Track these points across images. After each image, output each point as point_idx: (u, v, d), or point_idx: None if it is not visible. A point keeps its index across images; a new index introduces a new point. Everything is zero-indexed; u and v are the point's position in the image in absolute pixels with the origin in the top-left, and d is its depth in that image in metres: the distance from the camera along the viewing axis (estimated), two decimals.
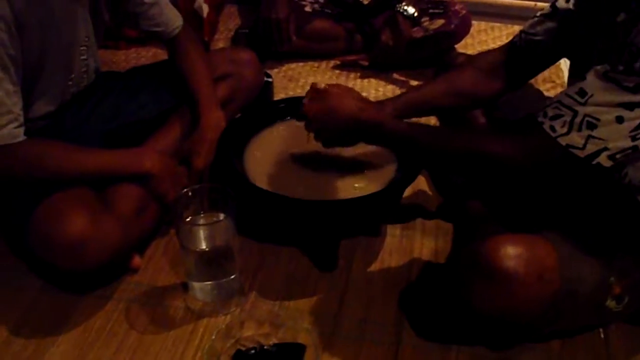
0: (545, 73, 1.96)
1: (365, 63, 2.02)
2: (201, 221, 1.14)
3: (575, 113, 0.89)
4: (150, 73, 1.48)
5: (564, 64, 1.97)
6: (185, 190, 1.14)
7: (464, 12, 1.99)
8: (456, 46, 2.05)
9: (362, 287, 1.23)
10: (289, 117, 1.37)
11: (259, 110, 1.46)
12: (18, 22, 1.04)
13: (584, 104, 0.88)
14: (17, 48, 1.05)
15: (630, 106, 0.85)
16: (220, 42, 2.18)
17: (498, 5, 2.38)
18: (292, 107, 1.32)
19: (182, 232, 1.12)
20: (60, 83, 1.24)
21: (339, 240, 1.28)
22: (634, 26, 0.85)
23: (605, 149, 0.88)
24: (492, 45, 2.19)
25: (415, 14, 1.90)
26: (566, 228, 1.02)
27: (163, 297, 1.20)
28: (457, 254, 1.28)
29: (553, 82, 1.94)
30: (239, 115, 1.48)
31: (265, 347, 1.06)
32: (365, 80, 1.97)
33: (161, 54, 1.99)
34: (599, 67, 0.88)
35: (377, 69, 2.00)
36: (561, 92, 0.94)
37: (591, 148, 0.88)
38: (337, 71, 2.03)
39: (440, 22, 1.96)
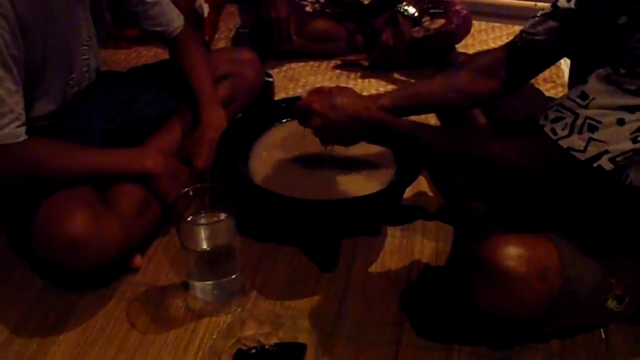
0: (546, 73, 1.97)
1: (366, 63, 2.02)
2: (202, 221, 1.14)
3: (577, 116, 0.89)
4: (151, 73, 1.48)
5: (565, 64, 1.97)
6: (186, 189, 1.14)
7: (464, 12, 2.00)
8: (457, 46, 2.05)
9: (363, 287, 1.23)
10: (289, 118, 1.38)
11: (260, 110, 1.46)
12: (20, 22, 1.04)
13: (586, 107, 0.89)
14: (19, 48, 1.05)
15: (631, 109, 0.86)
16: (221, 41, 2.18)
17: (499, 5, 2.38)
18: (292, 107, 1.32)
19: (183, 231, 1.12)
20: (61, 83, 1.24)
21: (340, 240, 1.28)
22: (636, 30, 0.85)
23: (607, 151, 0.88)
24: (493, 45, 2.19)
25: (416, 14, 1.90)
26: (567, 228, 1.03)
27: (164, 296, 1.20)
28: (458, 254, 1.28)
29: (554, 82, 1.94)
30: (240, 115, 1.48)
31: (266, 347, 1.06)
32: (366, 80, 1.97)
33: (162, 54, 1.98)
34: (600, 70, 0.88)
35: (378, 69, 2.00)
36: (563, 95, 0.94)
37: (592, 151, 0.88)
38: (338, 71, 2.03)
39: (441, 22, 1.96)
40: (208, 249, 1.13)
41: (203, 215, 1.15)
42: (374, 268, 1.28)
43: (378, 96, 1.25)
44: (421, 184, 1.48)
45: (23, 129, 1.09)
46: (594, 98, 0.88)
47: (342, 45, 2.07)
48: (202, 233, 1.12)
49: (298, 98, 1.23)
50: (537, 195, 1.17)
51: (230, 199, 1.11)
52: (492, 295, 0.95)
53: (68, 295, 1.20)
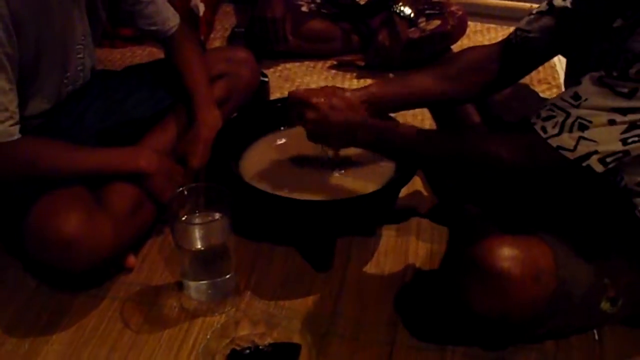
0: (541, 74, 1.98)
1: (362, 63, 2.03)
2: (196, 220, 1.14)
3: (568, 115, 0.90)
4: (146, 72, 1.48)
5: (560, 65, 1.98)
6: (180, 189, 1.13)
7: (460, 13, 2.00)
8: (452, 47, 2.05)
9: (357, 287, 1.23)
10: (284, 117, 1.37)
11: (255, 109, 1.46)
12: (15, 21, 1.03)
13: (578, 107, 0.89)
14: (13, 46, 1.05)
15: (623, 111, 0.86)
16: (217, 41, 2.18)
17: (494, 7, 2.38)
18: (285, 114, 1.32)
19: (177, 231, 1.12)
20: (56, 81, 1.24)
21: (335, 240, 1.28)
22: (630, 33, 0.85)
23: (596, 152, 0.88)
24: None
25: (412, 15, 1.91)
26: (562, 230, 1.03)
27: (158, 296, 1.20)
28: (452, 254, 1.28)
29: (549, 83, 1.95)
30: (235, 114, 1.48)
31: (260, 347, 1.06)
32: (362, 81, 1.97)
33: (157, 53, 1.98)
34: (594, 73, 0.88)
35: (374, 70, 2.00)
36: (557, 95, 0.94)
37: (581, 150, 0.89)
38: (334, 71, 2.03)
39: (437, 22, 1.97)
40: (202, 248, 1.12)
41: (197, 214, 1.15)
42: (368, 268, 1.28)
43: (366, 91, 1.24)
44: (416, 183, 1.48)
45: (17, 127, 1.08)
46: (586, 99, 0.88)
47: (338, 46, 2.07)
48: (197, 232, 1.12)
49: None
50: (532, 196, 1.17)
51: (224, 199, 1.10)
52: (486, 296, 0.95)
53: (61, 295, 1.19)
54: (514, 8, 2.33)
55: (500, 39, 1.26)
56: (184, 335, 1.12)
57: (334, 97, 1.14)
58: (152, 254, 1.29)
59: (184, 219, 1.13)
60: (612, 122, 0.87)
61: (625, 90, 0.85)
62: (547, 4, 1.16)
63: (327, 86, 1.20)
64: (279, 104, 1.41)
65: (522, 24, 1.20)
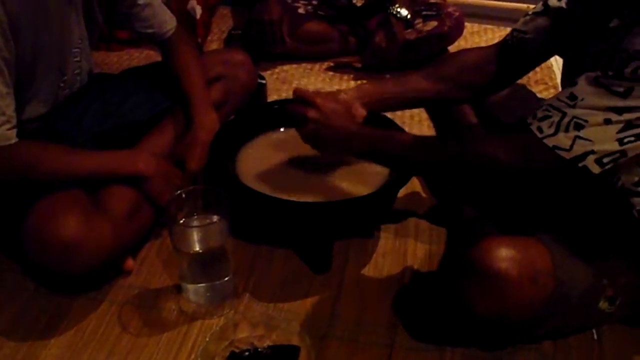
0: (538, 75, 1.98)
1: (359, 65, 2.03)
2: (195, 223, 1.14)
3: (564, 114, 0.90)
4: (143, 75, 1.48)
5: (557, 65, 1.99)
6: (178, 192, 1.13)
7: (457, 14, 2.01)
8: (449, 48, 2.06)
9: (356, 289, 1.23)
10: (282, 120, 1.37)
11: (253, 112, 1.46)
12: (11, 24, 1.03)
13: (573, 107, 0.89)
14: (10, 50, 1.05)
15: (619, 110, 0.86)
16: (214, 43, 2.18)
17: (491, 8, 2.39)
18: (285, 109, 1.32)
19: (175, 233, 1.12)
20: (53, 85, 1.24)
21: (333, 242, 1.28)
22: (626, 33, 0.85)
23: (592, 151, 0.88)
24: None
25: (409, 16, 1.91)
26: (559, 230, 1.03)
27: (156, 299, 1.20)
28: (450, 256, 1.28)
29: (546, 83, 1.95)
30: (232, 117, 1.48)
31: (259, 349, 1.06)
32: (359, 82, 1.97)
33: (154, 56, 1.98)
34: (590, 73, 0.89)
35: (371, 71, 2.00)
36: (553, 96, 0.95)
37: (578, 150, 0.89)
38: (331, 73, 2.03)
39: (434, 24, 1.97)
40: (201, 251, 1.12)
41: (195, 217, 1.15)
42: (367, 270, 1.28)
43: (361, 90, 1.24)
44: (414, 184, 1.48)
45: (14, 131, 1.08)
46: (582, 99, 0.89)
47: (335, 47, 2.07)
48: (195, 235, 1.12)
49: (291, 100, 1.23)
50: (529, 197, 1.17)
51: (222, 201, 1.10)
52: (484, 297, 0.95)
53: (59, 298, 1.19)
54: (511, 9, 2.33)
55: (497, 40, 1.26)
56: (182, 338, 1.12)
57: (335, 102, 1.15)
58: (150, 256, 1.29)
59: (182, 221, 1.13)
60: (608, 122, 0.87)
61: (621, 89, 0.85)
62: (543, 4, 1.17)
63: (329, 92, 1.20)
64: (277, 106, 1.42)
65: (518, 25, 1.20)
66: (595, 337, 1.13)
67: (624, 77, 0.84)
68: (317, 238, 1.26)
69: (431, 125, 1.71)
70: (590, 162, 0.89)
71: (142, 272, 1.25)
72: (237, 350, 1.06)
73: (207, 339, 1.08)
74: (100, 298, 1.19)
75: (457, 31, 2.02)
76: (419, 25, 1.97)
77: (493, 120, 1.38)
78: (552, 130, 0.90)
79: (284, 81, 1.97)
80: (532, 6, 1.22)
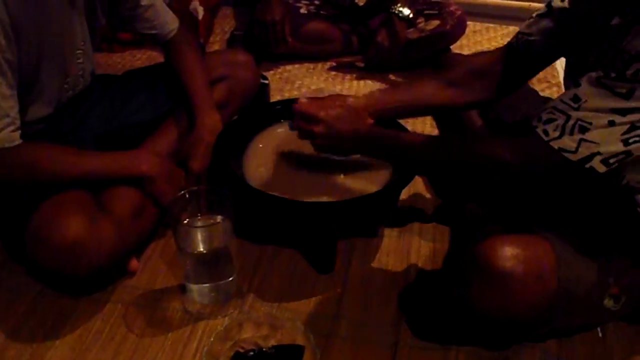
0: (541, 73, 1.95)
1: (361, 64, 2.03)
2: (198, 223, 1.14)
3: (568, 117, 0.90)
4: (146, 76, 1.48)
5: (559, 64, 1.97)
6: (182, 192, 1.14)
7: (459, 12, 2.00)
8: (452, 47, 2.06)
9: (360, 288, 1.23)
10: (285, 120, 1.38)
11: (256, 112, 1.46)
12: (15, 26, 1.04)
13: (577, 109, 0.89)
14: (13, 52, 1.05)
15: (623, 112, 0.86)
16: (216, 44, 2.18)
17: (493, 6, 2.39)
18: (289, 109, 1.32)
19: (179, 234, 1.12)
20: (56, 86, 1.24)
21: (337, 241, 1.28)
22: (627, 33, 0.85)
23: (598, 153, 0.88)
24: (487, 45, 2.19)
25: (411, 15, 1.91)
26: (564, 228, 1.03)
27: (161, 299, 1.20)
28: (455, 254, 1.28)
29: (548, 82, 1.95)
30: (235, 117, 1.48)
31: (263, 349, 1.06)
32: (362, 82, 1.97)
33: (156, 57, 1.99)
34: (593, 74, 0.88)
35: (373, 70, 2.00)
36: (556, 98, 0.95)
37: (583, 152, 0.89)
38: (333, 73, 2.03)
39: (436, 23, 1.97)
40: (204, 251, 1.12)
41: (199, 217, 1.15)
42: (371, 269, 1.28)
43: (371, 98, 1.24)
44: (418, 183, 1.48)
45: (18, 133, 1.08)
46: (586, 100, 0.88)
47: (337, 47, 2.07)
48: (199, 236, 1.12)
49: (293, 100, 1.23)
50: (534, 195, 1.17)
51: (226, 202, 1.10)
52: (489, 296, 0.95)
53: (64, 299, 1.19)
54: (513, 7, 2.33)
55: (499, 38, 1.27)
56: (187, 338, 1.12)
57: (339, 108, 1.15)
58: (154, 257, 1.29)
59: (186, 222, 1.13)
60: (612, 124, 0.87)
61: (624, 90, 0.85)
62: (546, 6, 1.17)
63: (330, 95, 1.20)
64: (279, 106, 1.42)
65: (523, 27, 1.20)
66: (600, 334, 1.13)
67: (626, 78, 0.84)
68: (321, 238, 1.26)
69: (434, 124, 1.71)
70: (596, 163, 0.89)
71: (147, 273, 1.26)
72: (241, 350, 1.06)
73: (212, 339, 1.08)
74: (104, 299, 1.20)
75: (459, 30, 2.02)
76: (421, 25, 1.97)
77: (496, 120, 1.38)
78: (557, 134, 0.90)
79: (286, 81, 1.97)
80: (533, 4, 1.22)
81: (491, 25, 2.34)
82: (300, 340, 1.08)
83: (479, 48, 2.17)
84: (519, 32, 1.21)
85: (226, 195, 1.11)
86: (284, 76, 2.00)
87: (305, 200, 1.17)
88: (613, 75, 0.85)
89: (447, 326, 1.13)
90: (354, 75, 2.00)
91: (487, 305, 0.95)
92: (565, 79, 1.22)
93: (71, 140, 1.27)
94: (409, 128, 1.33)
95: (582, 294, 0.98)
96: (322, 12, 2.06)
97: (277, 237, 1.33)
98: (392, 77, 1.98)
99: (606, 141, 0.88)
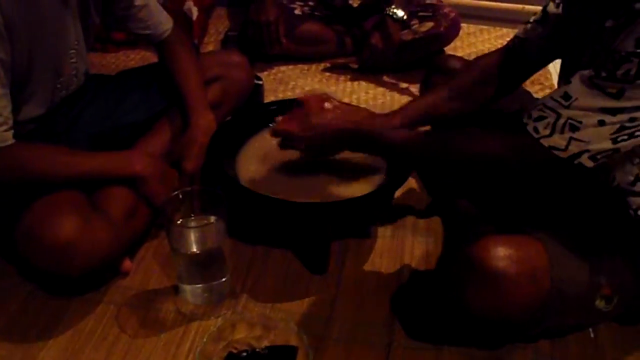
0: (534, 75, 1.98)
1: (355, 66, 2.03)
2: (192, 224, 1.14)
3: (559, 115, 0.91)
4: (140, 76, 1.48)
5: (553, 66, 1.98)
6: (175, 192, 1.13)
7: (453, 14, 2.01)
8: (445, 49, 2.06)
9: (354, 289, 1.23)
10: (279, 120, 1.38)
11: (250, 113, 1.46)
12: (7, 25, 1.03)
13: (568, 107, 0.90)
14: (6, 51, 1.05)
15: (612, 111, 0.87)
16: (210, 44, 2.18)
17: (487, 8, 2.40)
18: (283, 110, 1.33)
19: (172, 234, 1.12)
20: (49, 86, 1.23)
21: (330, 242, 1.28)
22: (619, 34, 0.86)
23: (587, 150, 0.90)
24: (481, 47, 2.20)
25: (405, 17, 1.91)
26: (556, 228, 1.03)
27: (154, 300, 1.20)
28: (448, 255, 1.28)
29: (541, 84, 1.96)
30: (229, 118, 1.48)
31: (257, 350, 1.06)
32: (355, 83, 1.98)
33: (150, 57, 1.98)
34: (584, 72, 0.89)
35: (367, 72, 2.01)
36: (547, 95, 0.95)
37: (573, 149, 0.90)
38: (327, 74, 2.03)
39: (430, 24, 1.97)
40: (198, 252, 1.12)
41: (192, 218, 1.15)
42: (364, 270, 1.28)
43: (386, 116, 1.26)
44: (411, 183, 1.48)
45: (10, 132, 1.08)
46: (576, 99, 0.89)
47: (331, 48, 2.07)
48: (192, 236, 1.12)
49: (288, 101, 1.24)
50: (527, 195, 1.18)
51: (219, 202, 1.10)
52: (482, 296, 0.95)
53: (56, 300, 1.19)
54: (506, 9, 2.34)
55: (493, 40, 1.28)
56: (180, 339, 1.12)
57: (314, 115, 1.15)
58: (147, 258, 1.29)
59: (179, 222, 1.13)
60: (602, 123, 0.88)
61: (614, 90, 0.86)
62: (542, 11, 1.18)
63: (314, 96, 1.20)
64: (273, 107, 1.42)
65: (520, 31, 1.21)
66: (592, 335, 1.13)
67: (616, 78, 0.85)
68: (314, 238, 1.26)
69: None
70: (584, 159, 0.90)
71: (140, 273, 1.25)
72: (234, 351, 1.06)
73: (205, 340, 1.08)
74: (97, 299, 1.19)
75: (453, 32, 2.03)
76: (415, 26, 1.97)
77: (495, 112, 1.39)
78: (547, 132, 0.91)
79: (280, 82, 1.98)
80: (527, 7, 1.22)
81: (485, 27, 2.35)
82: (293, 341, 1.08)
83: (473, 50, 2.18)
84: (515, 36, 1.22)
85: (219, 196, 1.10)
86: (278, 77, 2.00)
87: (299, 201, 1.17)
88: (604, 75, 0.86)
89: (440, 327, 1.13)
90: (348, 77, 2.01)
91: (480, 305, 0.96)
92: (559, 80, 1.22)
93: (64, 140, 1.26)
94: None
95: (573, 294, 0.98)
96: (316, 13, 2.07)
97: (270, 237, 1.33)
98: (385, 78, 1.99)
99: (596, 140, 0.89)
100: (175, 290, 1.21)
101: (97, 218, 1.13)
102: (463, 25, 2.10)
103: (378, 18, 1.95)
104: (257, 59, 1.98)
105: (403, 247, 1.33)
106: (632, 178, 0.98)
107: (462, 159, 1.03)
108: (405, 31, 1.95)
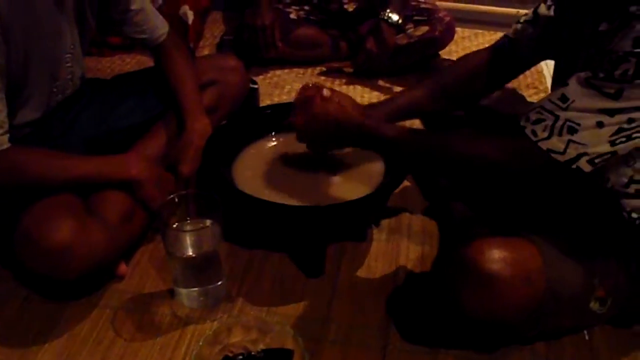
0: (529, 79, 2.00)
1: (350, 70, 2.03)
2: (187, 227, 1.14)
3: (557, 118, 0.90)
4: (136, 80, 1.48)
5: (547, 70, 2.00)
6: (171, 196, 1.14)
7: (448, 19, 2.02)
8: (440, 53, 2.07)
9: (349, 292, 1.23)
10: (275, 125, 1.38)
11: (245, 116, 1.46)
12: (3, 29, 1.03)
13: (565, 109, 0.90)
14: (2, 55, 1.05)
15: (610, 112, 0.87)
16: (206, 48, 2.18)
17: (482, 12, 2.40)
18: (278, 114, 1.33)
19: (168, 238, 1.12)
20: (45, 90, 1.23)
21: (326, 245, 1.28)
22: (614, 36, 0.86)
23: (585, 154, 0.89)
24: None
25: (400, 21, 1.92)
26: (550, 230, 1.04)
27: (149, 303, 1.20)
28: (443, 257, 1.29)
29: (536, 87, 1.96)
30: (224, 122, 1.48)
31: (253, 353, 1.06)
32: (351, 87, 1.98)
33: (146, 61, 1.98)
34: (581, 74, 0.89)
35: (362, 76, 2.01)
36: (544, 98, 0.95)
37: (571, 153, 0.90)
38: (323, 78, 2.04)
39: (425, 29, 1.98)
40: (193, 255, 1.12)
41: (188, 222, 1.15)
42: (360, 273, 1.28)
43: (369, 107, 1.26)
44: (406, 186, 1.48)
45: (6, 137, 1.08)
46: (574, 100, 0.89)
47: (327, 52, 2.08)
48: (188, 240, 1.12)
49: (283, 105, 1.24)
50: (521, 197, 1.18)
51: (215, 206, 1.11)
52: (477, 298, 0.95)
53: (52, 304, 1.18)
54: (501, 14, 2.35)
55: (487, 44, 1.28)
56: (176, 343, 1.12)
57: (318, 107, 1.14)
58: (143, 261, 1.29)
59: (174, 226, 1.13)
60: (600, 124, 0.88)
61: (612, 91, 0.86)
62: (533, 12, 1.18)
63: (311, 88, 1.19)
64: (269, 111, 1.42)
65: (510, 31, 1.22)
66: (587, 337, 1.13)
67: (614, 78, 0.85)
68: (310, 242, 1.26)
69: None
70: (582, 163, 0.90)
71: (135, 277, 1.25)
72: (230, 355, 1.06)
73: (201, 343, 1.08)
74: (93, 303, 1.19)
75: (448, 36, 2.03)
76: (410, 30, 1.98)
77: (485, 110, 1.39)
78: (545, 134, 0.91)
79: (276, 86, 1.98)
80: (522, 11, 1.23)
81: (480, 31, 2.36)
82: (289, 345, 1.08)
83: None
84: (505, 36, 1.23)
85: (215, 200, 1.11)
86: (273, 81, 2.01)
87: (294, 204, 1.18)
88: (602, 75, 0.86)
89: (436, 329, 1.13)
90: (344, 81, 2.01)
91: (475, 307, 0.96)
92: (553, 84, 1.23)
93: (60, 144, 1.26)
94: None
95: (568, 296, 0.99)
96: (311, 17, 2.07)
97: (266, 241, 1.33)
98: (381, 82, 1.99)
99: (594, 143, 0.89)
100: (171, 293, 1.21)
101: (93, 222, 1.13)
102: (458, 29, 2.11)
103: (373, 22, 1.96)
104: (253, 63, 1.98)
105: (398, 250, 1.33)
106: (626, 180, 0.98)
107: (458, 159, 1.02)
108: (400, 35, 1.96)
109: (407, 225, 1.40)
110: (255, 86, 1.72)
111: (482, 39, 2.31)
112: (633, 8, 0.84)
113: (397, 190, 1.27)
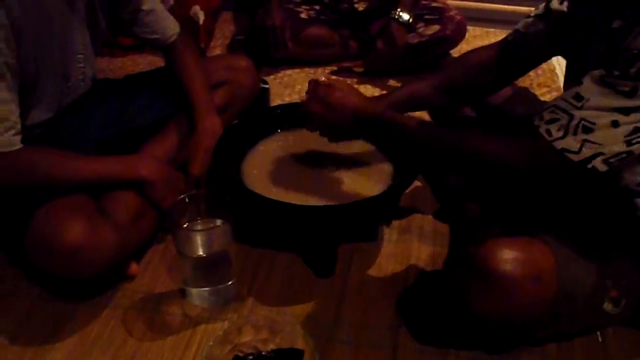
0: (541, 78, 1.98)
1: (361, 69, 2.03)
2: (198, 227, 1.15)
3: (572, 117, 0.89)
4: (147, 80, 1.48)
5: (559, 68, 1.99)
6: (182, 196, 1.14)
7: (458, 17, 2.01)
8: (451, 52, 2.06)
9: (360, 292, 1.23)
10: (285, 124, 1.38)
11: (256, 116, 1.46)
12: (15, 30, 1.04)
13: (580, 108, 0.89)
14: (14, 56, 1.05)
15: (626, 111, 0.86)
16: (217, 49, 2.19)
17: (493, 11, 2.39)
18: (289, 113, 1.33)
19: (179, 238, 1.12)
20: (57, 91, 1.24)
21: (337, 246, 1.28)
22: (629, 33, 0.85)
23: (601, 153, 0.88)
24: None
25: (410, 20, 1.91)
26: (563, 231, 1.03)
27: (160, 303, 1.20)
28: (454, 257, 1.28)
29: (548, 86, 1.95)
30: (235, 121, 1.48)
31: (263, 353, 1.06)
32: (361, 87, 1.97)
33: (157, 61, 1.99)
34: (595, 72, 0.88)
35: (373, 75, 2.01)
36: (558, 97, 0.94)
37: (586, 152, 0.89)
38: (333, 77, 2.03)
39: (436, 27, 1.98)
40: (204, 255, 1.12)
41: (199, 221, 1.15)
42: (370, 273, 1.28)
43: (375, 99, 1.25)
44: (417, 187, 1.48)
45: (19, 137, 1.09)
46: (588, 99, 0.88)
47: (337, 52, 2.07)
48: (198, 239, 1.12)
49: (294, 104, 1.24)
50: (534, 197, 1.17)
51: (225, 206, 1.11)
52: (488, 299, 0.95)
53: (63, 303, 1.19)
54: (512, 12, 2.34)
55: None
56: (186, 342, 1.12)
57: (333, 95, 1.13)
58: (154, 261, 1.29)
59: (185, 226, 1.13)
60: (615, 124, 0.87)
61: (627, 89, 0.85)
62: (545, 7, 1.17)
63: (330, 83, 1.18)
64: (279, 111, 1.42)
65: (520, 26, 1.21)
66: (600, 339, 1.12)
67: (629, 76, 0.84)
68: (321, 242, 1.26)
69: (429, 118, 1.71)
70: (597, 163, 0.89)
71: (146, 277, 1.26)
72: (241, 354, 1.06)
73: (211, 343, 1.08)
74: (104, 303, 1.20)
75: (459, 35, 2.03)
76: (421, 30, 1.97)
77: (490, 108, 1.38)
78: (560, 134, 0.90)
79: (286, 86, 1.98)
80: (533, 9, 1.22)
81: (491, 30, 2.35)
82: (299, 344, 1.08)
83: None
84: (515, 31, 1.21)
85: (226, 199, 1.11)
86: (284, 81, 2.01)
87: (305, 204, 1.17)
88: (617, 73, 0.85)
89: (446, 330, 1.13)
90: (354, 80, 2.01)
91: (486, 308, 0.95)
92: (565, 82, 1.22)
93: (72, 144, 1.27)
94: None
95: (581, 297, 0.98)
96: (322, 17, 2.07)
97: (276, 241, 1.33)
98: (391, 82, 1.99)
99: (610, 142, 0.88)
100: (182, 293, 1.21)
101: (104, 222, 1.13)
102: (469, 28, 2.10)
103: (384, 22, 1.95)
104: (264, 63, 1.98)
105: (409, 250, 1.33)
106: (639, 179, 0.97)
107: (471, 156, 1.00)
108: (411, 34, 1.95)
109: (418, 225, 1.39)
110: (266, 86, 1.72)
111: (493, 38, 2.28)
112: None
113: (408, 190, 1.26)
